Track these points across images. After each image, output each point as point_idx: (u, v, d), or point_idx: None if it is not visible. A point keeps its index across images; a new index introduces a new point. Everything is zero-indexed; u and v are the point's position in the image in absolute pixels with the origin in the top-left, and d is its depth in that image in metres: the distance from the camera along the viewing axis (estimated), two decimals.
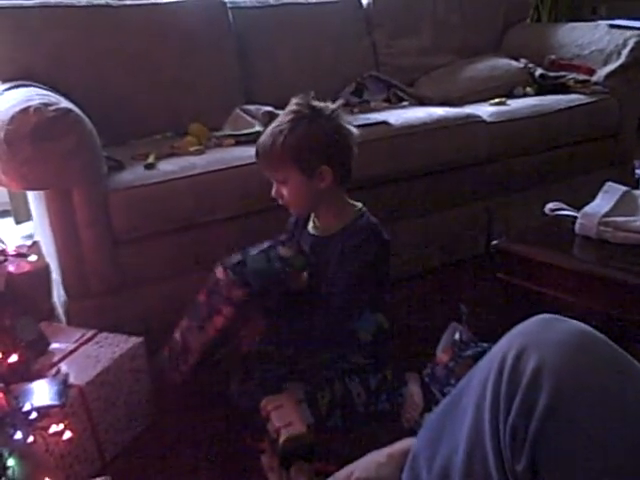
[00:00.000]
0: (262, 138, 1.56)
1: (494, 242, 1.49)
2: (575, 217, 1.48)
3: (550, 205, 1.67)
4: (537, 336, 0.67)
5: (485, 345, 1.48)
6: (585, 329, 0.68)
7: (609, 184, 1.46)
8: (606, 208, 1.38)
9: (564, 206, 1.62)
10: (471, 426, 0.69)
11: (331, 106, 1.55)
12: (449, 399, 0.78)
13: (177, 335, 1.59)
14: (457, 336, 1.53)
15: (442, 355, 1.51)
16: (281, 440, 1.31)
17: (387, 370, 1.58)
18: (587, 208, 1.44)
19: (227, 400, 1.56)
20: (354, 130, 1.57)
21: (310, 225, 1.65)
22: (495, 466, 0.66)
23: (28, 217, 2.66)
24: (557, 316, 0.70)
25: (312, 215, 1.65)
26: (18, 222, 2.84)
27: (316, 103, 1.54)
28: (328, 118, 1.52)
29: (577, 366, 0.64)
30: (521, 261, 1.45)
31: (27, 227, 2.71)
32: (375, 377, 1.56)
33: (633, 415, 0.62)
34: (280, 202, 1.58)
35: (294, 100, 1.56)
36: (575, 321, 0.69)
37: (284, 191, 1.55)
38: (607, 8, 3.65)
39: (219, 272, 1.51)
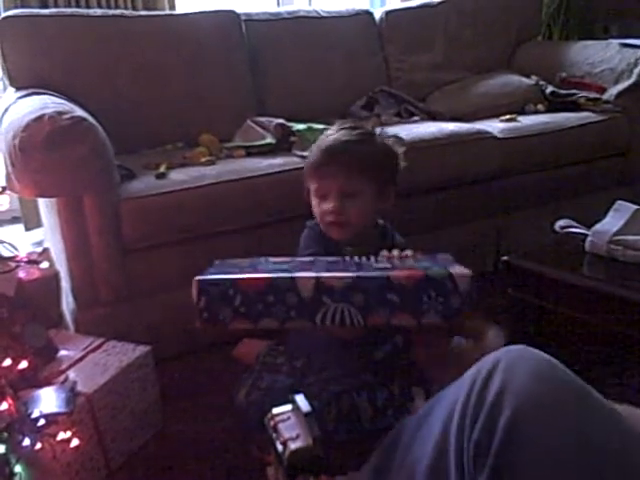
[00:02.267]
0: (329, 150, 1.41)
1: (504, 258, 1.49)
2: (585, 235, 1.48)
3: (560, 222, 1.67)
4: (504, 362, 0.73)
5: None
6: (547, 359, 0.74)
7: (620, 203, 1.46)
8: (617, 226, 1.38)
9: (574, 224, 1.62)
10: (437, 441, 0.74)
11: (386, 130, 1.51)
12: (422, 412, 0.82)
13: None
14: None
15: (450, 369, 1.50)
16: (287, 452, 1.31)
17: (394, 385, 1.57)
18: (598, 226, 1.44)
19: (234, 411, 1.55)
20: (402, 151, 1.52)
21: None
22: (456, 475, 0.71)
23: (38, 224, 2.68)
24: (525, 347, 0.76)
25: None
26: (28, 229, 2.86)
27: (367, 125, 1.48)
28: (384, 140, 1.47)
29: (537, 389, 0.70)
30: (531, 277, 1.45)
31: (37, 234, 2.72)
32: (382, 393, 1.55)
33: (585, 432, 0.67)
34: (331, 218, 1.41)
35: (342, 121, 1.49)
36: (541, 352, 0.75)
37: (348, 205, 1.40)
38: (619, 27, 3.65)
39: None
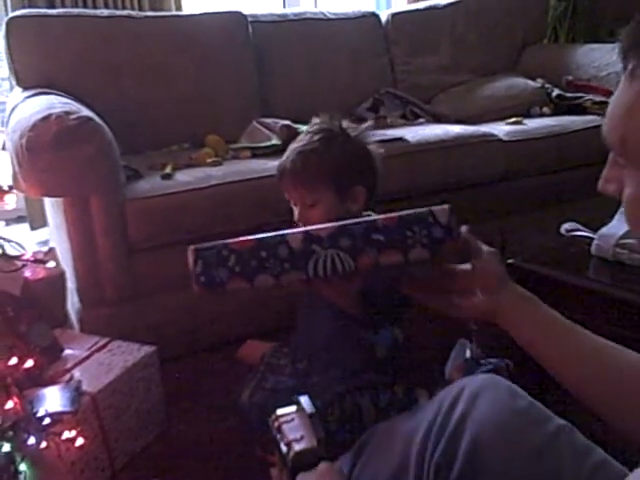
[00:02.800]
0: (289, 158, 1.47)
1: (509, 261, 1.48)
2: (591, 238, 1.48)
3: (566, 226, 1.66)
4: (471, 389, 0.76)
5: (495, 361, 1.48)
6: (510, 388, 0.77)
7: None
8: (623, 230, 1.38)
9: (580, 227, 1.62)
10: (400, 454, 0.77)
11: (361, 127, 1.53)
12: (392, 422, 0.86)
13: None
14: (468, 354, 1.52)
15: (453, 373, 1.50)
16: (292, 454, 1.30)
17: (397, 386, 1.57)
18: (604, 230, 1.44)
19: (238, 411, 1.56)
20: (380, 151, 1.55)
21: None
22: None
23: (43, 223, 2.68)
24: (493, 375, 0.81)
25: None
26: (33, 228, 2.86)
27: (345, 123, 1.50)
28: (358, 139, 1.49)
29: (497, 418, 0.72)
30: (536, 280, 1.44)
31: (42, 233, 2.73)
32: (385, 394, 1.55)
33: (544, 462, 0.69)
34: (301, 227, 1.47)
35: (319, 119, 1.50)
36: (510, 383, 0.79)
37: (312, 213, 1.45)
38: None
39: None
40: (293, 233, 1.02)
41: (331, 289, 1.10)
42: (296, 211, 1.48)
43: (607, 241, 1.41)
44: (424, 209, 1.03)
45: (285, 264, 1.01)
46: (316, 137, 1.46)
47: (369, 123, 1.74)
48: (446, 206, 1.03)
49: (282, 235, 1.01)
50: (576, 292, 1.38)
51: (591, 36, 3.51)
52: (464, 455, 0.69)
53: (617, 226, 1.41)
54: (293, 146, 1.49)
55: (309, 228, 1.04)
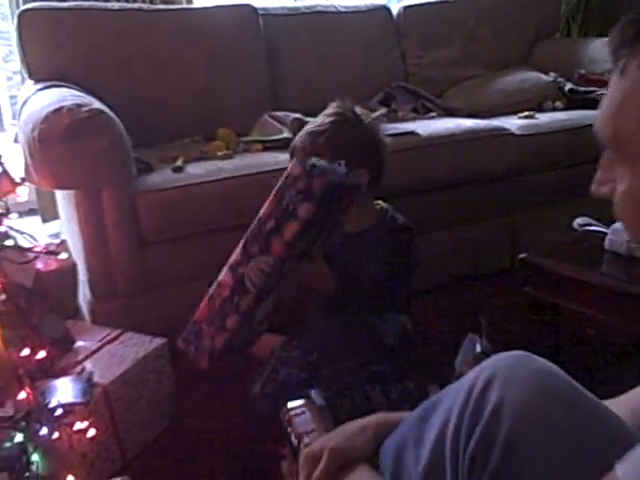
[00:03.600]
0: (300, 137, 1.53)
1: (522, 255, 1.48)
2: (604, 233, 1.47)
3: (579, 220, 1.66)
4: (504, 372, 0.71)
5: None
6: (549, 369, 0.72)
7: None
8: None
9: (593, 222, 1.61)
10: (433, 445, 0.73)
11: (372, 115, 1.56)
12: (420, 412, 0.80)
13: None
14: (478, 349, 1.51)
15: (465, 368, 1.49)
16: (302, 446, 1.31)
17: (409, 380, 1.57)
18: (617, 224, 1.43)
19: (248, 404, 1.56)
20: (389, 140, 1.58)
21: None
22: None
23: (55, 216, 2.69)
24: (529, 354, 0.74)
25: None
26: (45, 221, 2.87)
27: (359, 110, 1.54)
28: (369, 126, 1.53)
29: (535, 405, 0.68)
30: (549, 275, 1.44)
31: (54, 226, 2.74)
32: (397, 387, 1.55)
33: (586, 449, 0.65)
34: None
35: (335, 104, 1.55)
36: (543, 360, 0.73)
37: None
38: None
39: (294, 168, 1.23)
40: (223, 277, 1.26)
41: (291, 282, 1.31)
42: None
43: (620, 236, 1.41)
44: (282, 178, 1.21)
45: (235, 298, 1.24)
46: (328, 119, 1.51)
47: (381, 111, 1.76)
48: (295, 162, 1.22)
49: (217, 284, 1.26)
50: (589, 287, 1.37)
51: (604, 30, 3.47)
52: (501, 445, 0.66)
53: None
54: (307, 127, 1.55)
55: (230, 260, 1.27)
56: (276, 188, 1.23)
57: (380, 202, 1.62)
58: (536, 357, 0.73)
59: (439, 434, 0.73)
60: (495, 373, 0.71)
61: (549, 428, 0.67)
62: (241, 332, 1.34)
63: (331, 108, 1.56)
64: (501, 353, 0.75)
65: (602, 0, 3.66)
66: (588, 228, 1.60)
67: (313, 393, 1.43)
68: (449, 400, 0.74)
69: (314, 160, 1.22)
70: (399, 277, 1.55)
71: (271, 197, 1.22)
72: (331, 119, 1.52)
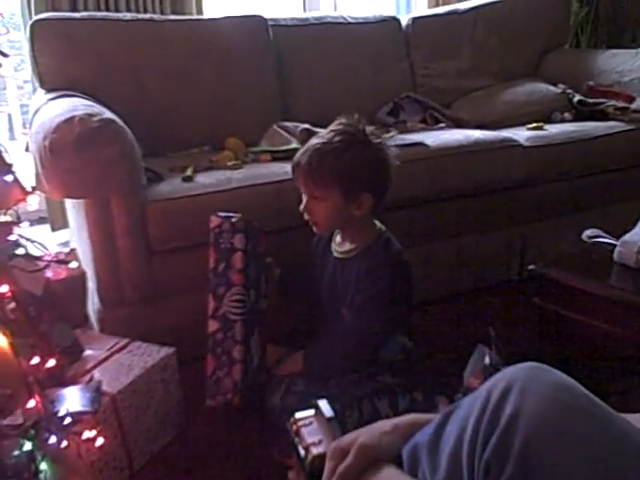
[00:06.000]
0: (307, 152, 1.52)
1: (531, 267, 1.47)
2: (614, 245, 1.47)
3: (588, 232, 1.65)
4: (521, 383, 0.70)
5: None
6: (566, 382, 0.71)
7: None
8: None
9: (602, 233, 1.61)
10: (451, 453, 0.73)
11: (384, 136, 1.55)
12: (437, 423, 0.79)
13: (211, 338, 1.56)
14: (487, 361, 1.51)
15: (473, 380, 1.49)
16: (310, 457, 1.30)
17: (416, 392, 1.57)
18: (626, 236, 1.43)
19: (260, 414, 1.56)
20: (396, 163, 1.56)
21: (333, 247, 1.65)
22: None
23: (64, 225, 2.71)
24: (545, 367, 0.73)
25: (335, 236, 1.66)
26: (54, 229, 2.89)
27: (369, 129, 1.53)
28: (378, 148, 1.52)
29: (551, 417, 0.67)
30: (558, 287, 1.43)
31: (63, 234, 2.75)
32: (404, 399, 1.55)
33: (604, 461, 0.64)
34: (306, 217, 1.57)
35: (344, 120, 1.54)
36: (560, 373, 0.72)
37: (316, 207, 1.54)
38: None
39: (214, 221, 1.57)
40: (210, 328, 1.53)
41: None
42: (304, 200, 1.56)
43: (630, 248, 1.40)
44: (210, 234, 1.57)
45: (228, 334, 1.52)
46: (337, 138, 1.50)
47: (392, 133, 1.75)
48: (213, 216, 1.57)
49: (210, 336, 1.53)
50: (598, 299, 1.36)
51: (613, 42, 3.49)
52: (516, 455, 0.65)
53: None
54: (314, 141, 1.53)
55: (209, 312, 1.54)
56: (211, 242, 1.57)
57: (379, 225, 1.62)
58: (553, 369, 0.73)
59: (456, 442, 0.72)
60: (512, 384, 0.70)
61: (566, 439, 0.66)
62: (249, 361, 1.54)
63: (340, 124, 1.54)
64: (517, 364, 0.74)
65: (611, 12, 3.66)
66: (597, 240, 1.59)
67: (321, 403, 1.43)
68: (466, 409, 0.74)
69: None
70: (389, 308, 1.54)
71: (211, 251, 1.57)
72: (340, 137, 1.49)
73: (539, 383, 0.70)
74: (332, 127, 1.54)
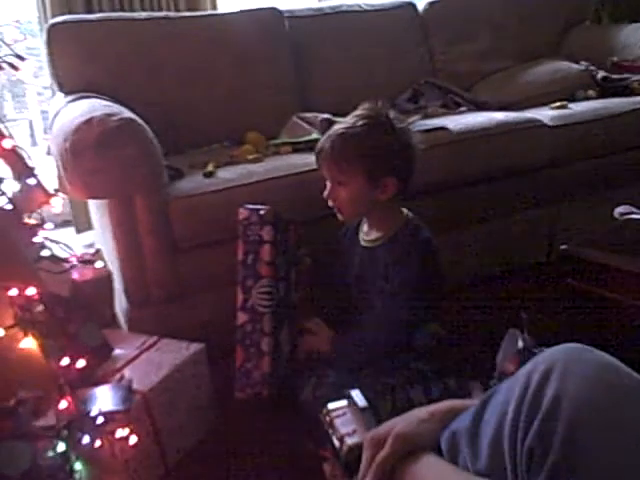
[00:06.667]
0: (330, 138, 1.52)
1: (563, 247, 1.44)
2: None
3: (619, 209, 1.61)
4: (562, 364, 0.68)
5: None
6: (609, 362, 0.69)
7: None
8: None
9: (634, 210, 1.57)
10: (492, 439, 0.71)
11: (407, 120, 1.53)
12: (475, 409, 0.78)
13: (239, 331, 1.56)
14: (520, 344, 1.48)
15: (508, 365, 1.46)
16: (345, 448, 1.29)
17: (449, 379, 1.55)
18: None
19: (292, 407, 1.55)
20: (420, 147, 1.55)
21: (360, 236, 1.64)
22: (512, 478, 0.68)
23: (89, 226, 2.72)
24: (586, 347, 0.71)
25: (362, 225, 1.64)
26: (79, 231, 2.91)
27: (392, 114, 1.52)
28: (402, 132, 1.51)
29: (596, 398, 0.65)
30: (592, 266, 1.40)
31: (88, 236, 2.76)
32: (437, 386, 1.53)
33: None
34: (330, 203, 1.56)
35: (367, 105, 1.53)
36: (602, 353, 0.69)
37: (341, 193, 1.53)
38: None
39: (242, 213, 1.56)
40: (239, 320, 1.53)
41: None
42: (328, 186, 1.55)
43: None
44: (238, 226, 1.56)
45: (257, 326, 1.52)
46: (360, 122, 1.49)
47: (416, 117, 1.73)
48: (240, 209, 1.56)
49: (239, 328, 1.52)
50: (633, 276, 1.33)
51: (635, 16, 3.40)
52: (560, 439, 0.63)
53: None
54: (336, 127, 1.54)
55: (238, 304, 1.53)
56: (240, 234, 1.55)
57: (405, 212, 1.60)
58: (594, 349, 0.70)
59: (496, 428, 0.70)
60: (553, 365, 0.68)
61: (612, 423, 0.63)
62: (278, 353, 1.54)
63: (363, 110, 1.53)
64: (556, 346, 0.72)
65: None
66: (630, 217, 1.55)
67: (354, 393, 1.41)
68: (505, 394, 0.72)
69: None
70: (419, 297, 1.52)
71: (239, 243, 1.55)
72: (363, 122, 1.49)
73: (581, 364, 0.68)
74: (355, 113, 1.53)
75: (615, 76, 2.67)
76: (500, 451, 0.69)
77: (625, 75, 2.67)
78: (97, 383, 1.40)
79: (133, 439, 1.28)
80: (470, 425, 0.76)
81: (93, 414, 1.23)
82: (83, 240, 2.77)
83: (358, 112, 1.54)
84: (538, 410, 0.66)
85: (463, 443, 0.76)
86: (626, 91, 2.59)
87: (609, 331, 1.41)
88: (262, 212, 1.53)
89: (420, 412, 0.89)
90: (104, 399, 1.33)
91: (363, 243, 1.62)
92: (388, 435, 0.84)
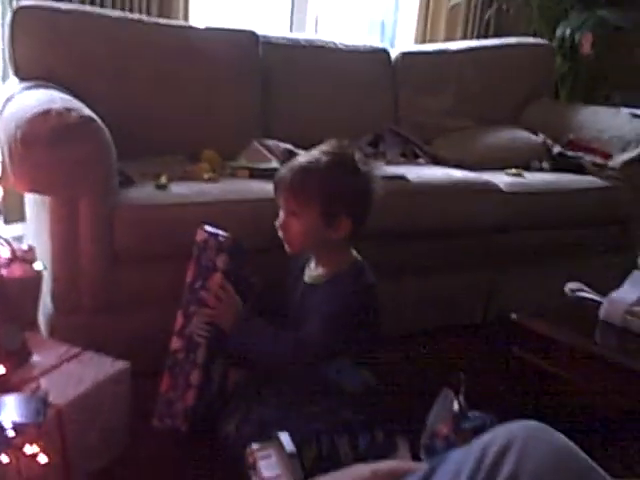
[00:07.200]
0: (293, 168, 1.51)
1: (513, 316, 1.44)
2: (599, 302, 1.44)
3: (571, 285, 1.63)
4: (521, 442, 0.67)
5: (482, 416, 1.43)
6: (566, 445, 0.68)
7: (637, 272, 1.42)
8: (633, 297, 1.35)
9: (585, 287, 1.59)
10: None
11: (371, 164, 1.54)
12: (423, 475, 0.75)
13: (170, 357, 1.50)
14: (456, 407, 1.46)
15: (441, 427, 1.44)
16: None
17: (377, 431, 1.52)
18: (614, 295, 1.40)
19: (216, 441, 1.48)
20: (380, 193, 1.54)
21: (306, 271, 1.61)
22: None
23: (20, 218, 2.58)
24: (545, 426, 0.70)
25: (310, 261, 1.62)
26: (7, 222, 2.76)
27: (357, 155, 1.52)
28: (365, 175, 1.50)
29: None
30: (539, 338, 1.40)
31: (16, 228, 2.62)
32: (365, 437, 1.50)
33: None
34: (280, 234, 1.54)
35: (334, 142, 1.53)
36: (560, 435, 0.69)
37: (293, 225, 1.51)
38: (621, 96, 3.70)
39: (200, 234, 1.50)
40: (174, 345, 1.48)
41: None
42: (281, 215, 1.54)
43: (617, 307, 1.38)
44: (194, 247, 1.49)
45: (190, 356, 1.47)
46: (325, 158, 1.49)
47: (378, 162, 1.71)
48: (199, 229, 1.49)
49: (172, 353, 1.48)
50: (581, 355, 1.33)
51: (588, 97, 3.54)
52: None
53: (628, 291, 1.38)
54: (300, 159, 1.54)
55: (176, 328, 1.49)
56: (194, 256, 1.49)
57: (355, 256, 1.59)
58: (553, 430, 0.69)
59: None
60: (510, 443, 0.67)
61: None
62: (206, 387, 1.50)
63: (329, 146, 1.52)
64: (515, 421, 0.71)
65: (590, 70, 3.73)
66: (581, 294, 1.57)
67: (282, 436, 1.36)
68: (456, 464, 0.70)
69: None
70: (347, 330, 1.50)
71: (191, 264, 1.49)
72: (328, 158, 1.49)
73: (540, 444, 0.67)
74: (321, 148, 1.52)
75: (570, 153, 2.75)
76: None
77: (579, 154, 2.74)
78: (9, 390, 1.30)
79: (43, 458, 1.18)
80: None
81: (4, 425, 1.13)
82: (11, 232, 2.63)
83: (324, 148, 1.53)
84: None
85: None
86: (579, 169, 2.66)
87: (546, 404, 1.41)
88: (221, 239, 1.48)
89: (361, 471, 0.86)
90: (15, 409, 1.23)
91: (307, 279, 1.60)
92: None
